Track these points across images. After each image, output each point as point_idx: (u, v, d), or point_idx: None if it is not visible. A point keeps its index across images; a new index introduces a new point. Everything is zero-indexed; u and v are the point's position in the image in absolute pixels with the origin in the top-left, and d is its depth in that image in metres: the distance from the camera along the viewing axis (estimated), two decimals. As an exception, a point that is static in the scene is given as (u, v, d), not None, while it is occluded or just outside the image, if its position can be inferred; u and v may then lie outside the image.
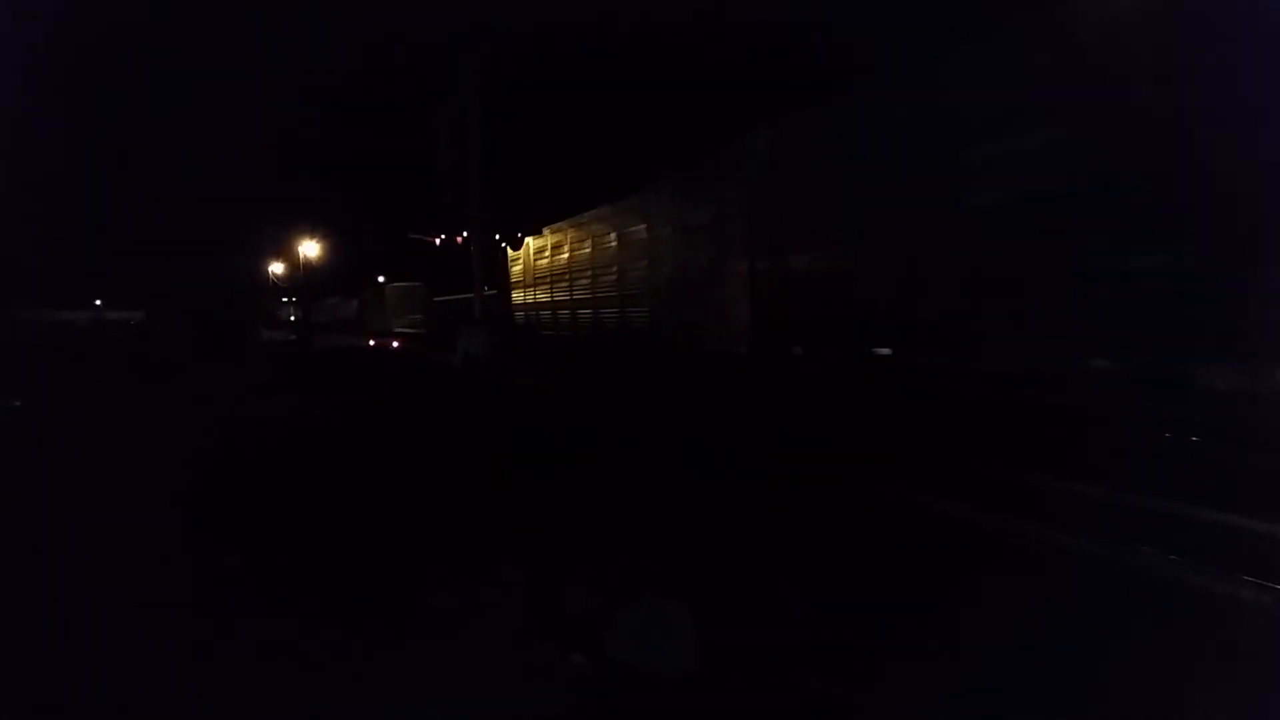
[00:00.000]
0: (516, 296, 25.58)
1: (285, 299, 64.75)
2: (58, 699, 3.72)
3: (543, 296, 22.72)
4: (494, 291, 26.95)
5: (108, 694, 3.71)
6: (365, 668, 3.79)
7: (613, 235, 17.32)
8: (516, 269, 25.39)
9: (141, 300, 56.56)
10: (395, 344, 33.32)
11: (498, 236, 26.49)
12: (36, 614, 4.60)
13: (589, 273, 18.87)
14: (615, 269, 17.17)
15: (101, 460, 8.89)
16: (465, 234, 24.67)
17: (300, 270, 51.09)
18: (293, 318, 60.21)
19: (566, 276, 20.41)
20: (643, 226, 15.87)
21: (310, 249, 48.88)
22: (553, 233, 21.96)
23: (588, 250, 18.92)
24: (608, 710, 3.49)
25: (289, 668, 3.84)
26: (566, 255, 20.39)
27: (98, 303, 68.86)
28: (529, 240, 23.72)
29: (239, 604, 4.58)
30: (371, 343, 34.91)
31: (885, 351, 9.17)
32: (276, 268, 58.04)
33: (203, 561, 5.33)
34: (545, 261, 22.49)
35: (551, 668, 3.77)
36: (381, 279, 60.35)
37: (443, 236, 25.15)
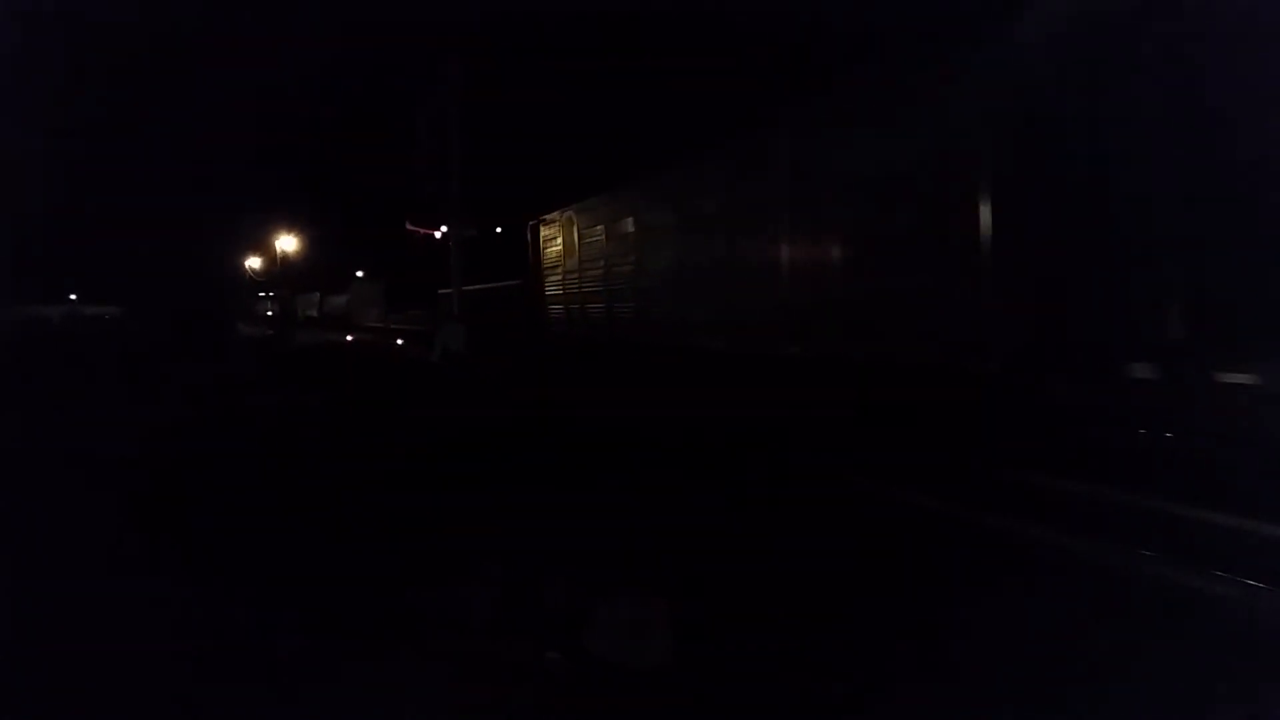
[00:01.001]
0: (553, 284, 18.98)
1: (262, 294, 63.93)
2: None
3: (592, 285, 16.43)
4: (516, 281, 23.20)
5: (70, 694, 3.71)
6: (339, 668, 3.68)
7: (712, 200, 11.78)
8: (553, 251, 18.78)
9: (117, 295, 56.05)
10: (372, 339, 33.18)
11: (476, 233, 26.35)
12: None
13: (666, 250, 13.09)
14: (721, 240, 11.44)
15: (69, 459, 8.79)
16: (444, 228, 24.59)
17: (277, 264, 50.67)
18: (270, 313, 59.44)
19: (631, 259, 14.50)
20: (764, 177, 10.50)
21: (288, 243, 48.48)
22: (610, 202, 15.93)
23: (669, 219, 13.08)
24: (584, 708, 3.50)
25: (262, 667, 3.72)
26: (632, 230, 14.60)
27: (72, 297, 68.03)
28: (570, 215, 17.76)
29: (210, 606, 4.41)
30: (350, 338, 34.68)
31: None
32: (253, 262, 57.45)
33: (177, 563, 5.14)
34: (597, 240, 16.20)
35: (528, 665, 3.77)
36: (360, 274, 59.89)
37: (420, 230, 25.01)
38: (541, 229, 19.56)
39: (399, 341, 30.29)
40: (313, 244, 52.12)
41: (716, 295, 11.52)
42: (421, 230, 25.84)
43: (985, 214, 6.88)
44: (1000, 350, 6.87)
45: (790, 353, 9.76)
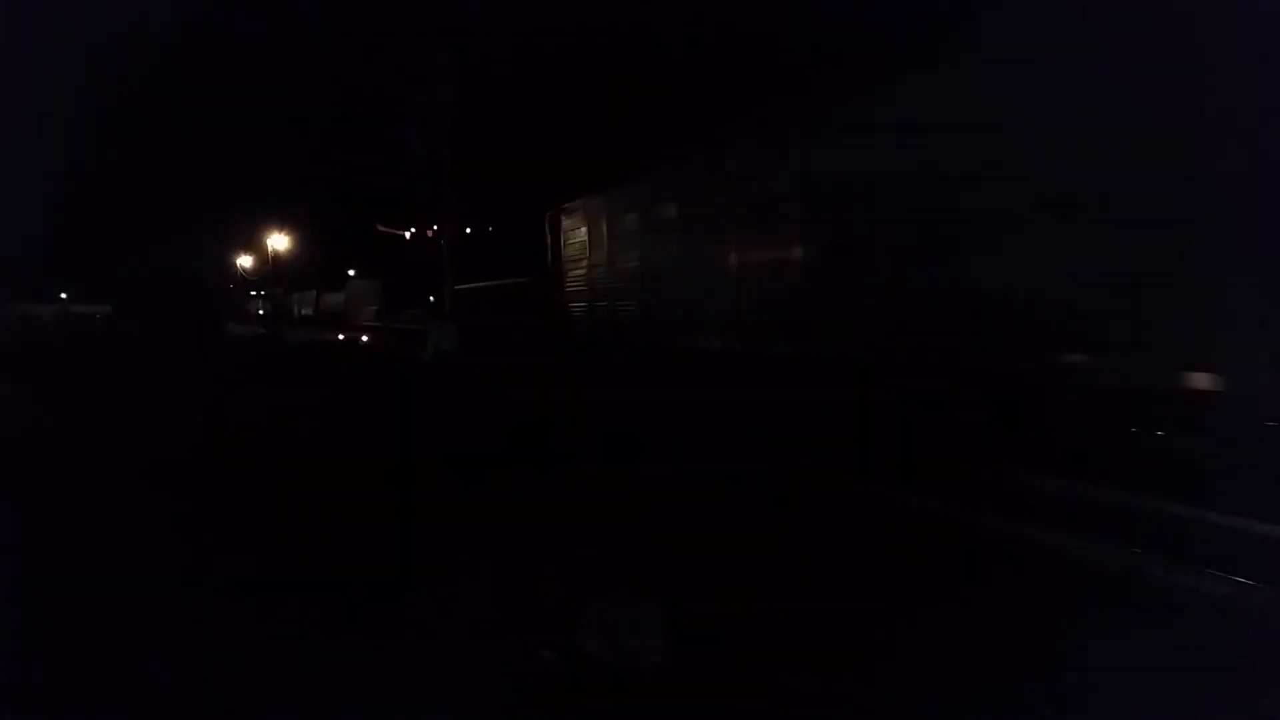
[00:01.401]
0: (576, 280, 16.62)
1: (254, 293, 63.74)
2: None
3: (625, 281, 13.85)
4: (524, 279, 21.35)
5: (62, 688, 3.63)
6: (332, 667, 3.67)
7: (785, 178, 9.70)
8: (576, 243, 16.45)
9: (108, 294, 55.91)
10: (365, 338, 33.07)
11: (469, 230, 26.22)
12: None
13: (726, 239, 10.86)
14: (802, 227, 9.40)
15: (58, 454, 8.70)
16: (436, 228, 24.45)
17: (269, 264, 50.57)
18: (261, 312, 59.16)
19: (676, 250, 12.24)
20: (869, 141, 8.33)
21: (279, 242, 48.39)
22: (650, 186, 13.39)
23: (733, 201, 10.81)
24: (578, 706, 3.43)
25: (254, 666, 3.70)
26: (676, 216, 12.34)
27: (63, 296, 67.77)
28: (599, 203, 15.42)
29: (200, 605, 4.38)
30: (341, 337, 34.57)
31: None
32: (245, 261, 57.27)
33: (161, 564, 5.06)
34: (632, 231, 13.74)
35: (522, 663, 3.71)
36: (351, 272, 59.65)
37: (412, 230, 24.87)
38: (563, 220, 17.46)
39: (363, 339, 30.12)
40: (308, 242, 52.05)
41: (790, 294, 9.52)
42: (394, 231, 25.74)
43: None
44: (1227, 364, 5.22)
45: (919, 364, 7.54)
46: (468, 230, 23.73)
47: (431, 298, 31.13)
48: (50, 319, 46.62)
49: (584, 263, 16.18)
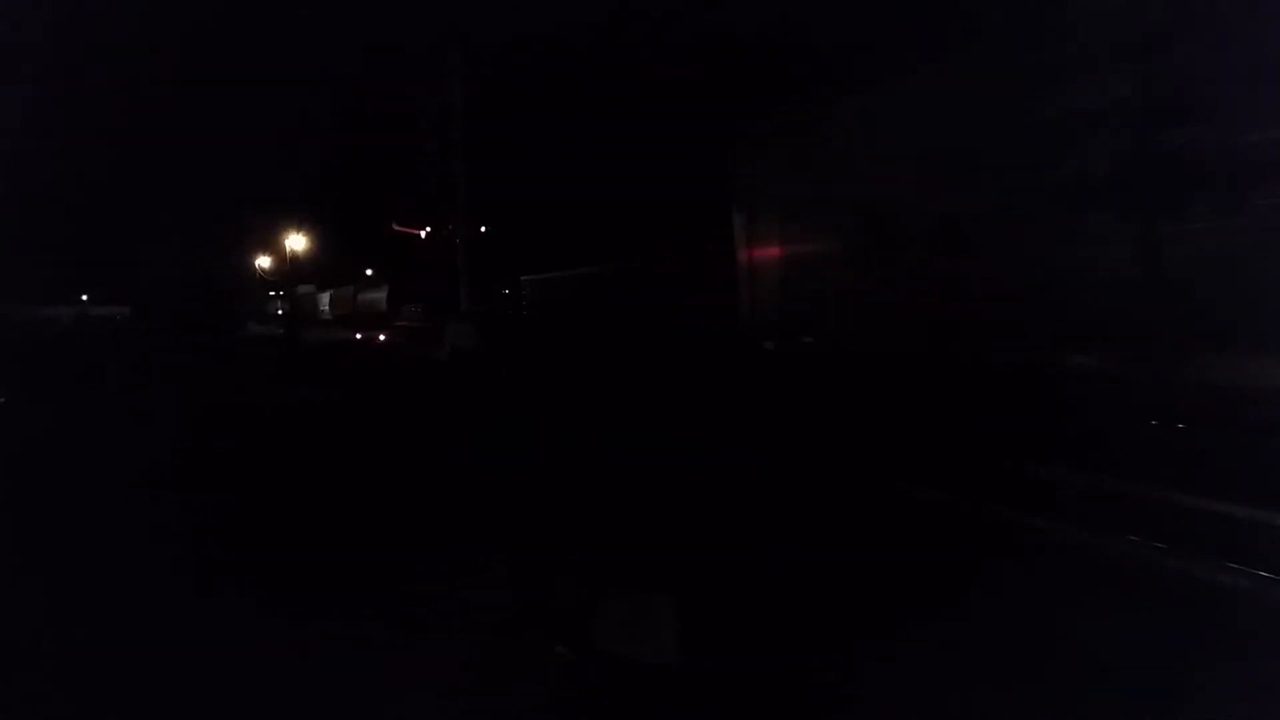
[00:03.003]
0: (802, 252, 10.11)
1: (272, 293, 63.98)
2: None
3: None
4: (679, 256, 15.15)
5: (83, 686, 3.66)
6: (351, 662, 3.69)
7: None
8: (809, 181, 10.01)
9: (127, 295, 56.48)
10: (382, 337, 33.28)
11: (483, 228, 26.14)
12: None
13: None
14: None
15: (77, 459, 8.77)
16: (450, 227, 24.49)
17: (288, 264, 50.87)
18: (280, 311, 59.18)
19: None
20: None
21: (297, 242, 48.68)
22: None
23: None
24: (594, 701, 3.43)
25: (276, 660, 3.73)
26: None
27: (84, 298, 68.59)
28: (873, 95, 9.01)
29: (223, 602, 4.38)
30: (358, 336, 34.77)
31: None
32: (264, 262, 57.62)
33: (186, 562, 5.08)
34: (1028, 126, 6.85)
35: (538, 659, 3.72)
36: (370, 272, 59.75)
37: (428, 230, 24.91)
38: (776, 143, 10.67)
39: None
40: (327, 242, 52.07)
41: None
42: (409, 230, 25.76)
43: None
44: None
45: None
46: (482, 229, 23.75)
47: (506, 292, 29.61)
48: (69, 320, 47.02)
49: (841, 220, 9.34)
